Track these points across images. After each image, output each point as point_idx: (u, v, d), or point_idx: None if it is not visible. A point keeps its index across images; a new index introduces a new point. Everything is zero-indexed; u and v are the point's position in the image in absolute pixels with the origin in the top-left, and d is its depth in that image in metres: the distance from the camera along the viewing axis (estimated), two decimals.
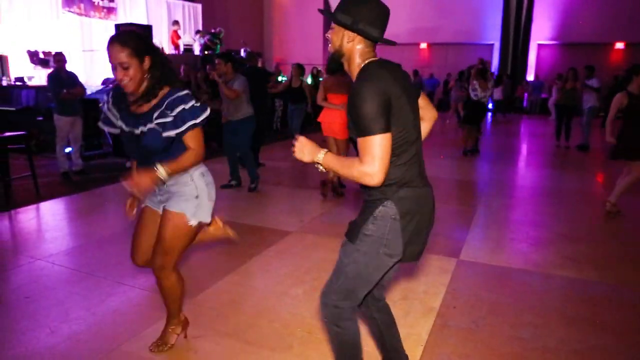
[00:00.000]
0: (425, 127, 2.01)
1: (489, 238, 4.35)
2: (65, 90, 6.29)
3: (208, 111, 2.19)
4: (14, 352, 2.52)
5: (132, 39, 2.04)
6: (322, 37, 20.21)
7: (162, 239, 2.26)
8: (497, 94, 16.08)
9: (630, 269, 3.68)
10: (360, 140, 1.62)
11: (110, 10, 12.61)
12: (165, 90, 2.14)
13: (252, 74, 6.66)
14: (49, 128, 7.03)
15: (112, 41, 2.03)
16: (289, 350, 2.53)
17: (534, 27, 17.86)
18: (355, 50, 1.74)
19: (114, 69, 2.05)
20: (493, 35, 18.62)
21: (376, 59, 1.75)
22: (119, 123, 2.22)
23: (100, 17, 12.30)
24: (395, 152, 1.68)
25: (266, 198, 5.63)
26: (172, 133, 2.10)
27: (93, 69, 11.60)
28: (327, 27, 14.64)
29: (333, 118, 5.27)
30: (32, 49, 10.24)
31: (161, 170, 2.12)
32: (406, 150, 1.72)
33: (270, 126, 11.15)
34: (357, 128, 1.62)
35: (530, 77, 18.24)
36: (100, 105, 2.26)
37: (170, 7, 14.55)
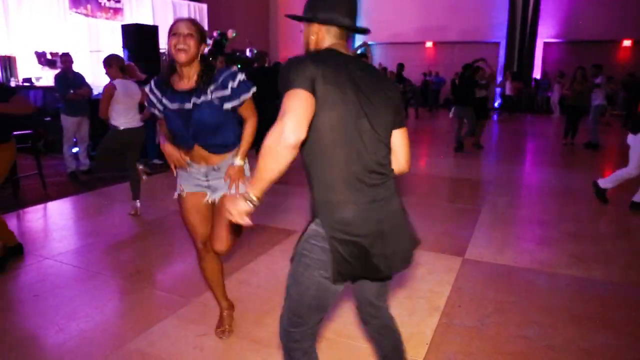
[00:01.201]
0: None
1: (494, 237, 4.34)
2: (72, 91, 6.33)
3: (255, 87, 2.33)
4: (22, 350, 2.55)
5: (200, 25, 2.28)
6: None
7: (230, 226, 2.36)
8: (508, 89, 16.03)
9: (637, 268, 3.66)
10: (283, 98, 1.43)
11: (117, 11, 12.67)
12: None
13: (261, 74, 6.65)
14: (57, 128, 7.09)
15: (183, 18, 2.26)
16: None
17: (540, 25, 17.77)
18: (320, 41, 1.63)
19: (173, 35, 2.18)
20: (499, 34, 18.55)
21: (337, 49, 1.59)
22: (164, 101, 2.30)
23: (106, 18, 12.36)
24: (325, 150, 1.49)
25: (272, 197, 5.64)
26: (235, 103, 2.26)
27: (100, 70, 11.62)
28: None
29: None
30: (40, 50, 10.32)
31: (245, 167, 2.42)
32: (338, 150, 1.49)
33: None
34: (281, 89, 1.45)
35: (536, 75, 18.16)
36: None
37: (176, 8, 14.61)
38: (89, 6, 11.86)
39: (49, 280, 3.43)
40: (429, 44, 20.01)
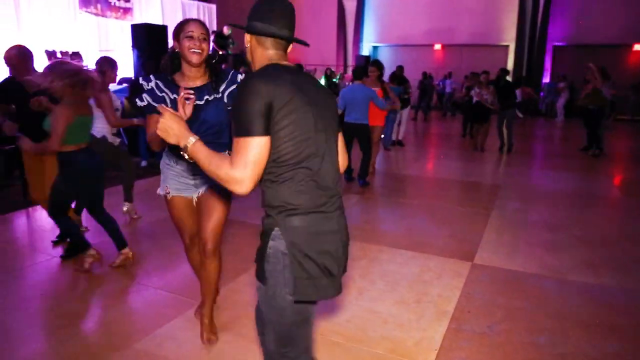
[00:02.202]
0: None
1: (503, 241, 4.30)
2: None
3: None
4: (30, 348, 2.55)
5: (208, 28, 2.32)
6: (335, 38, 20.25)
7: (218, 218, 2.44)
8: (519, 95, 15.91)
9: None
10: (235, 141, 1.43)
11: (126, 11, 12.74)
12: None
13: None
14: None
15: (193, 20, 2.31)
16: None
17: (550, 29, 17.66)
18: (258, 53, 1.60)
19: (189, 37, 2.22)
20: (508, 37, 18.45)
21: (281, 63, 1.57)
22: (173, 97, 2.28)
23: (116, 18, 12.43)
24: (282, 165, 1.47)
25: None
26: None
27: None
28: (341, 28, 14.66)
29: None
30: (50, 49, 10.37)
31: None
32: (299, 167, 1.48)
33: None
34: (235, 126, 1.45)
35: (545, 79, 18.05)
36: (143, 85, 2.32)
37: (185, 8, 14.67)
38: (99, 5, 11.94)
39: (57, 280, 3.44)
40: (437, 47, 19.94)
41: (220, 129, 2.35)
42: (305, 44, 1.68)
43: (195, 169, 2.38)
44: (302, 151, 1.48)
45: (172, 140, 1.50)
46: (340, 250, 1.59)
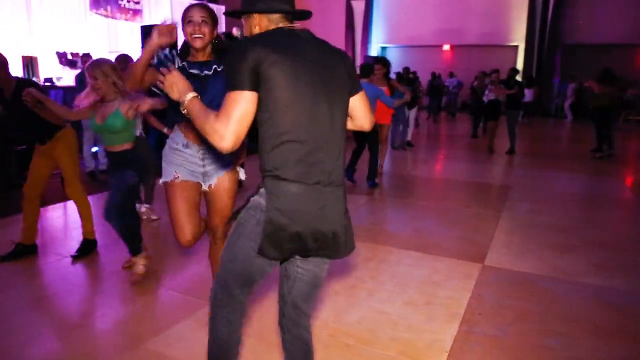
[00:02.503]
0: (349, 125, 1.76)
1: (514, 243, 4.27)
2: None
3: None
4: (42, 348, 2.57)
5: (211, 10, 2.34)
6: (344, 35, 20.25)
7: (226, 205, 2.47)
8: (529, 96, 15.83)
9: None
10: (225, 96, 1.48)
11: (136, 12, 12.81)
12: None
13: None
14: (77, 128, 7.16)
15: (195, 4, 2.31)
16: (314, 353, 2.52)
17: (561, 28, 17.52)
18: (265, 30, 1.62)
19: (189, 22, 2.25)
20: (517, 37, 18.34)
21: (283, 26, 1.60)
22: (183, 64, 2.35)
23: (126, 19, 12.50)
24: (271, 130, 1.49)
25: None
26: None
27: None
28: (349, 29, 14.61)
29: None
30: (61, 50, 10.47)
31: (241, 172, 2.58)
32: (289, 134, 1.49)
33: None
34: (226, 83, 1.50)
35: (555, 79, 17.91)
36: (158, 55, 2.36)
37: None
38: (108, 7, 12.01)
39: (68, 279, 3.46)
40: (446, 47, 19.87)
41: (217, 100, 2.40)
42: (308, 15, 1.69)
43: (204, 154, 2.41)
44: (297, 119, 1.49)
45: (174, 95, 1.60)
46: (320, 226, 1.56)
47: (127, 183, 3.20)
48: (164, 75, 1.62)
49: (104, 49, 11.48)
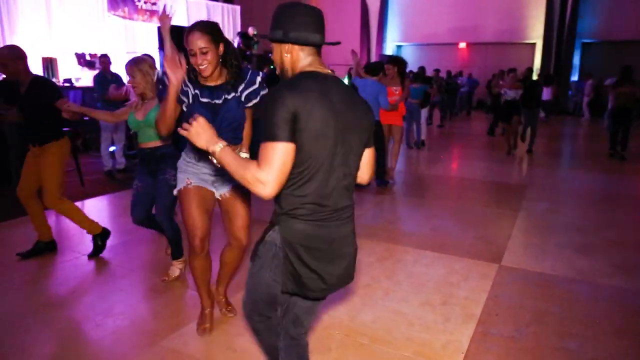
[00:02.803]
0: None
1: (532, 243, 4.21)
2: (113, 85, 6.49)
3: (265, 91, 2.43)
4: (60, 344, 2.61)
5: (210, 28, 2.25)
6: (359, 38, 20.19)
7: (242, 213, 2.51)
8: (547, 94, 15.62)
9: None
10: (262, 146, 1.50)
11: (153, 13, 12.93)
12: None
13: (277, 77, 6.70)
14: (95, 128, 7.27)
15: (193, 29, 2.22)
16: (327, 353, 2.52)
17: (579, 25, 17.22)
18: (295, 61, 1.64)
19: (192, 55, 2.22)
20: (535, 34, 18.07)
21: (313, 70, 1.62)
22: (196, 92, 2.36)
23: (143, 20, 12.64)
24: (297, 177, 1.54)
25: None
26: (255, 101, 2.40)
27: None
28: (364, 28, 14.56)
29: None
30: (80, 51, 10.62)
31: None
32: (311, 180, 1.55)
33: None
34: (264, 133, 1.50)
35: (574, 77, 17.62)
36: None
37: (210, 9, 14.82)
38: (126, 9, 12.15)
39: (86, 277, 3.52)
40: (462, 45, 19.68)
41: (236, 126, 2.43)
42: (337, 44, 1.77)
43: (217, 170, 2.44)
44: (317, 161, 1.54)
45: (201, 143, 1.58)
46: (335, 260, 1.66)
47: (171, 184, 3.10)
48: (189, 124, 1.60)
49: (122, 50, 11.63)
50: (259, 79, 2.41)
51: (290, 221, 1.60)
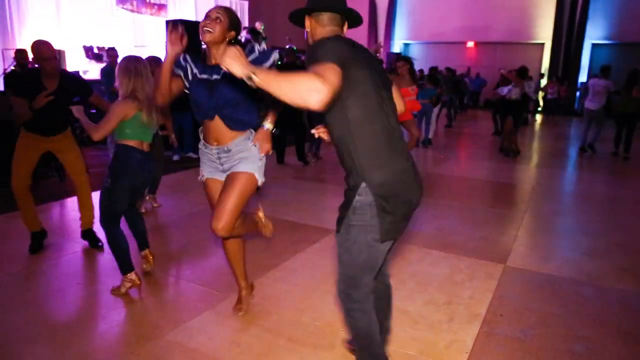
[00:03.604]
0: None
1: (538, 245, 4.19)
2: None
3: (276, 54, 2.44)
4: (65, 335, 2.62)
5: (234, 15, 2.40)
6: (367, 34, 20.13)
7: (229, 198, 2.44)
8: (552, 92, 15.55)
9: None
10: (313, 67, 1.53)
11: (161, 7, 12.95)
12: None
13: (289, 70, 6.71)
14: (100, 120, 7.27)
15: (221, 6, 2.39)
16: (332, 350, 2.52)
17: (589, 26, 17.09)
18: (318, 32, 1.84)
19: (205, 17, 2.31)
20: (544, 34, 17.97)
21: (340, 34, 1.83)
22: (194, 70, 2.43)
23: (151, 14, 12.66)
24: (356, 124, 1.71)
25: (309, 195, 5.63)
26: (265, 64, 2.38)
27: None
28: (372, 25, 14.51)
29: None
30: (88, 44, 10.66)
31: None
32: (368, 121, 1.73)
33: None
34: (313, 63, 1.55)
35: (583, 78, 17.50)
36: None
37: (218, 4, 14.83)
38: (134, 2, 12.17)
39: (93, 269, 3.53)
40: (470, 44, 19.59)
41: (235, 103, 2.41)
42: (360, 20, 1.91)
43: (219, 154, 2.48)
44: (371, 109, 1.72)
45: (237, 68, 1.47)
46: (413, 195, 1.85)
47: (105, 187, 3.08)
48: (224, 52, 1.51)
49: (130, 44, 11.66)
50: (257, 48, 2.46)
51: (375, 176, 1.73)
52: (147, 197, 4.83)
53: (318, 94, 1.42)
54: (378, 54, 6.44)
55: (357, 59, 1.69)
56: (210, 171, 2.58)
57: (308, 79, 1.44)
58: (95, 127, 2.98)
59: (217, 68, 2.38)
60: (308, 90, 1.42)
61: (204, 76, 2.41)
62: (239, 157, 2.47)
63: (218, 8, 2.36)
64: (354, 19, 1.89)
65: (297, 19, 1.93)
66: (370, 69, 1.75)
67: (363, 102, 1.70)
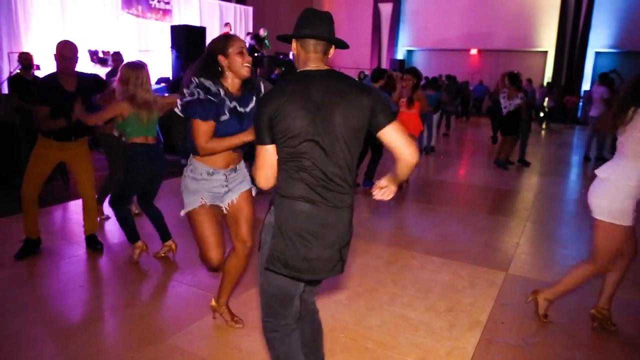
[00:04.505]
0: (400, 167, 1.80)
1: (539, 252, 4.19)
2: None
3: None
4: (67, 338, 2.63)
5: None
6: (370, 41, 20.21)
7: (249, 217, 2.56)
8: (548, 101, 15.57)
9: None
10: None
11: (166, 12, 13.03)
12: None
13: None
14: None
15: (237, 36, 2.43)
16: (332, 356, 2.52)
17: (592, 34, 17.11)
18: (301, 57, 1.78)
19: (238, 53, 2.30)
20: (547, 42, 18.00)
21: (306, 69, 1.75)
22: (232, 104, 2.36)
23: (156, 19, 12.74)
24: (283, 160, 1.72)
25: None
26: None
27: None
28: (376, 32, 14.53)
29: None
30: (93, 49, 10.71)
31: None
32: (293, 161, 1.69)
33: None
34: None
35: (586, 86, 17.50)
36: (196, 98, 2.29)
37: (222, 9, 14.91)
38: (139, 7, 12.26)
39: (95, 272, 3.54)
40: (473, 51, 19.63)
41: None
42: (344, 46, 1.80)
43: (229, 174, 2.50)
44: (294, 148, 1.67)
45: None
46: (320, 242, 1.71)
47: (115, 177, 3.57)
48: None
49: (134, 48, 11.72)
50: (262, 86, 2.49)
51: (281, 199, 1.72)
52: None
53: (257, 182, 1.76)
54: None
55: (289, 101, 1.65)
56: (210, 198, 2.49)
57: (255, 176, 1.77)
58: (90, 115, 3.40)
59: (243, 99, 2.40)
60: (256, 180, 1.77)
61: (241, 109, 2.39)
62: (243, 173, 2.60)
63: (243, 42, 2.40)
64: (339, 45, 1.81)
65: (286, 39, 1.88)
66: (309, 111, 1.65)
67: (287, 138, 1.67)
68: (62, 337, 2.64)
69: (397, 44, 20.79)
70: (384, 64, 19.70)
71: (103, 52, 10.76)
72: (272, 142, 1.69)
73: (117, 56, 7.04)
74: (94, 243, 3.87)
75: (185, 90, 2.33)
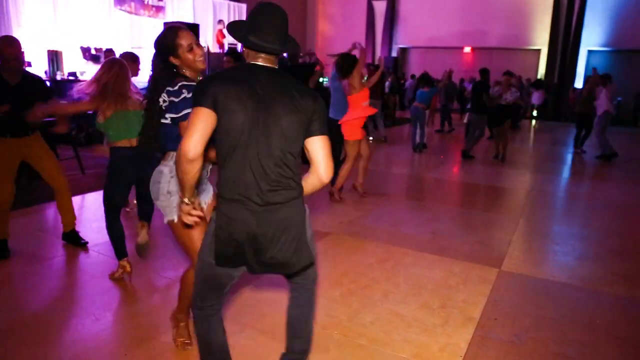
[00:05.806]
0: (311, 181, 1.87)
1: (532, 249, 4.21)
2: None
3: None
4: (59, 337, 2.61)
5: None
6: (364, 38, 20.17)
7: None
8: (536, 98, 15.67)
9: None
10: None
11: (159, 9, 12.96)
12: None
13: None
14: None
15: (184, 28, 2.26)
16: (325, 353, 2.52)
17: (585, 33, 17.20)
18: (250, 58, 1.79)
19: (190, 50, 2.20)
20: (540, 41, 18.07)
21: (255, 63, 1.76)
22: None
23: (149, 16, 12.66)
24: (220, 152, 1.70)
25: (305, 198, 5.62)
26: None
27: (141, 66, 11.94)
28: (370, 29, 14.56)
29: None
30: (85, 45, 10.64)
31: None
32: (230, 156, 1.69)
33: None
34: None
35: (578, 84, 17.59)
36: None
37: (216, 7, 14.83)
38: (132, 4, 12.18)
39: (86, 271, 3.52)
40: (467, 50, 19.68)
41: None
42: (295, 49, 1.85)
43: (207, 173, 2.34)
44: (235, 142, 1.67)
45: (186, 212, 1.76)
46: (250, 242, 1.74)
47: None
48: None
49: (127, 45, 11.64)
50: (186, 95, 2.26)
51: (220, 199, 1.73)
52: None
53: (182, 152, 1.63)
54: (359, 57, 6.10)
55: (239, 95, 1.65)
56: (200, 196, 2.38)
57: (177, 156, 1.67)
58: (68, 103, 3.36)
59: None
60: (180, 157, 1.66)
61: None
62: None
63: (191, 33, 2.25)
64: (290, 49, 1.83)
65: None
66: (248, 107, 1.66)
67: (233, 134, 1.67)
68: (53, 336, 2.62)
69: (391, 42, 20.80)
70: (378, 62, 19.71)
71: (95, 48, 10.69)
72: (212, 108, 1.63)
73: (109, 53, 7.01)
74: (77, 238, 3.84)
75: (173, 99, 2.11)
